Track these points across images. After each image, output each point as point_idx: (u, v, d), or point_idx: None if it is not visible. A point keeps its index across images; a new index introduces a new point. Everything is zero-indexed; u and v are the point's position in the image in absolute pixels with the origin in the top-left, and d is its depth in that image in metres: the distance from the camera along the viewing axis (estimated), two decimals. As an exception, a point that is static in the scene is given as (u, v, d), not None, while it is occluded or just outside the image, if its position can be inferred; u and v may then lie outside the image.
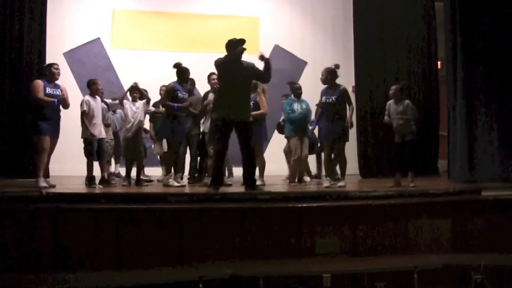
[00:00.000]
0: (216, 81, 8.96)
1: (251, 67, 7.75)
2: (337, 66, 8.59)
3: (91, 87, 8.78)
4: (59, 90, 8.13)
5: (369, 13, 11.74)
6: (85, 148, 8.58)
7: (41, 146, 7.85)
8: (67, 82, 9.44)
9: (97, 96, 8.77)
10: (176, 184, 8.45)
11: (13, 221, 5.78)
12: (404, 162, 8.59)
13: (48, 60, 10.21)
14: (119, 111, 9.94)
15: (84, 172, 8.65)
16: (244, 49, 7.45)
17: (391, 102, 8.71)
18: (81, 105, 8.55)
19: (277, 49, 12.97)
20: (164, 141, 9.23)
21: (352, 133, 8.96)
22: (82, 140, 8.61)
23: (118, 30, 12.42)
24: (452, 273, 6.33)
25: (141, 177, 9.12)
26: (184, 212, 6.19)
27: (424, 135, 10.95)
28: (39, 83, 8.00)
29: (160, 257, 5.97)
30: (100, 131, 8.64)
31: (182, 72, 8.76)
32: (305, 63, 13.08)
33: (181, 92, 8.66)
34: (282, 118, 9.87)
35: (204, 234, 6.12)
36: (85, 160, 8.63)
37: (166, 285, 5.48)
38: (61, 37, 11.78)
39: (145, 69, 11.73)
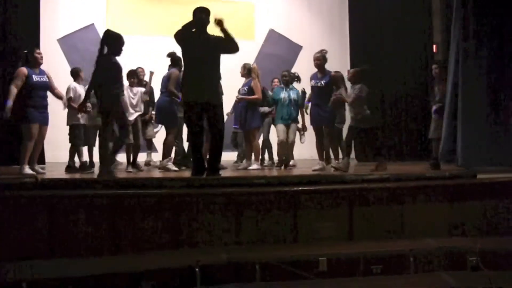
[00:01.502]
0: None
1: (217, 40, 7.07)
2: (325, 51, 8.75)
3: (74, 76, 8.88)
4: (45, 76, 8.13)
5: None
6: (71, 134, 8.67)
7: (29, 134, 7.83)
8: (62, 68, 9.44)
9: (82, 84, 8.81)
10: (174, 168, 8.56)
11: (8, 208, 5.76)
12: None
13: (43, 47, 10.20)
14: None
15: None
16: (207, 20, 7.08)
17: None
18: (67, 91, 8.64)
19: (272, 33, 12.97)
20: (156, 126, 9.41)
21: (348, 117, 8.93)
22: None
23: (112, 16, 12.35)
24: (447, 256, 6.35)
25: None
26: (180, 197, 6.18)
27: (418, 119, 11.04)
28: (22, 71, 7.90)
29: (157, 242, 5.97)
30: (86, 117, 8.68)
31: (176, 60, 8.82)
32: (300, 47, 13.06)
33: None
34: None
35: (201, 219, 6.12)
36: None
37: (162, 270, 5.49)
38: (55, 23, 11.74)
39: (140, 55, 11.66)
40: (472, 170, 7.66)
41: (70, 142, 8.77)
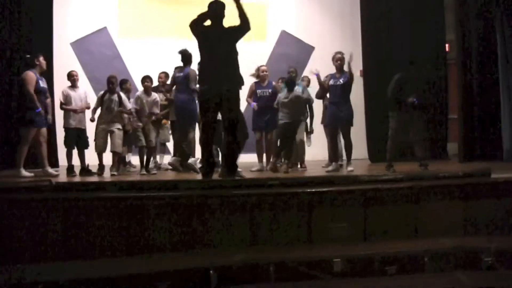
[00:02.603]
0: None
1: (232, 30, 7.06)
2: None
3: (69, 79, 8.96)
4: (45, 82, 8.42)
5: (376, -4, 11.71)
6: (64, 137, 8.88)
7: (27, 137, 8.05)
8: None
9: (78, 87, 8.93)
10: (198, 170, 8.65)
11: (23, 211, 5.79)
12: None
13: (56, 51, 10.28)
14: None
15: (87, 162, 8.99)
16: (223, 13, 7.06)
17: None
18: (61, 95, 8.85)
19: (284, 34, 12.95)
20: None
21: (361, 117, 8.96)
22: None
23: (124, 19, 12.39)
24: (463, 256, 6.31)
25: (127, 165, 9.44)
26: (194, 199, 6.19)
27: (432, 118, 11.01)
28: (32, 76, 8.07)
29: (171, 244, 5.99)
30: (79, 121, 8.77)
31: (188, 57, 8.85)
32: (312, 48, 13.03)
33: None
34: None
35: (214, 221, 6.12)
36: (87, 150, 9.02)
37: (177, 271, 5.50)
38: (68, 27, 11.79)
39: (153, 57, 11.71)
40: (487, 168, 7.62)
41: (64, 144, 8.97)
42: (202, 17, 7.04)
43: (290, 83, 9.08)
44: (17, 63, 9.62)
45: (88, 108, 8.96)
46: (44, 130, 8.30)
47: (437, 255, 6.13)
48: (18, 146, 8.13)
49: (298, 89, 9.24)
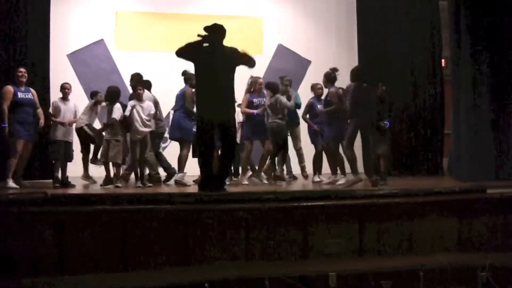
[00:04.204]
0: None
1: (232, 52, 7.10)
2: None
3: (61, 91, 9.06)
4: (30, 94, 8.52)
5: (373, 11, 11.77)
6: (50, 148, 8.99)
7: (14, 149, 8.22)
8: (72, 84, 9.44)
9: (69, 100, 9.02)
10: (188, 183, 8.87)
11: (18, 224, 5.77)
12: None
13: (52, 62, 10.29)
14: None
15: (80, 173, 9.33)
16: (220, 36, 7.12)
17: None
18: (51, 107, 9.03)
19: (280, 48, 12.96)
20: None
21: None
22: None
23: (121, 31, 12.39)
24: (458, 272, 6.31)
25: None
26: (189, 213, 6.18)
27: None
28: (9, 89, 8.28)
29: (166, 258, 5.97)
30: (66, 133, 8.88)
31: (187, 78, 8.99)
32: (309, 62, 13.04)
33: None
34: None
35: (210, 235, 6.11)
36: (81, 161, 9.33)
37: (172, 286, 5.48)
38: (65, 38, 11.77)
39: (149, 71, 11.70)
40: (482, 185, 7.63)
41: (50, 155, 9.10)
42: (190, 45, 7.07)
43: (270, 86, 9.20)
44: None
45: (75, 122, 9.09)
46: (29, 144, 8.50)
47: (433, 271, 6.13)
48: (9, 158, 8.31)
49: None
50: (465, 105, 9.32)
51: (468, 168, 9.05)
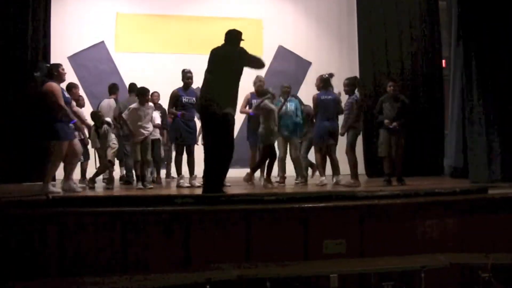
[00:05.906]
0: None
1: (241, 52, 7.28)
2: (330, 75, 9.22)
3: (68, 92, 8.37)
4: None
5: (374, 12, 11.75)
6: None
7: (60, 152, 7.46)
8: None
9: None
10: (186, 184, 8.78)
11: (20, 226, 5.77)
12: None
13: (53, 65, 10.29)
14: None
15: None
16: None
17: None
18: None
19: (281, 50, 12.99)
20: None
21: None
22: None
23: (121, 33, 12.43)
24: (459, 272, 6.32)
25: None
26: (190, 214, 6.18)
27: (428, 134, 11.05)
28: (58, 87, 7.57)
29: (167, 259, 5.97)
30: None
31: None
32: (309, 63, 13.06)
33: (185, 97, 8.92)
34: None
35: (211, 236, 6.11)
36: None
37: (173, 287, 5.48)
38: (65, 41, 11.80)
39: (150, 72, 11.73)
40: (483, 185, 7.63)
41: None
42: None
43: (259, 92, 9.21)
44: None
45: None
46: (73, 142, 7.82)
47: (434, 272, 6.13)
48: (50, 160, 7.53)
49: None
50: (461, 106, 9.33)
51: (470, 168, 9.02)
